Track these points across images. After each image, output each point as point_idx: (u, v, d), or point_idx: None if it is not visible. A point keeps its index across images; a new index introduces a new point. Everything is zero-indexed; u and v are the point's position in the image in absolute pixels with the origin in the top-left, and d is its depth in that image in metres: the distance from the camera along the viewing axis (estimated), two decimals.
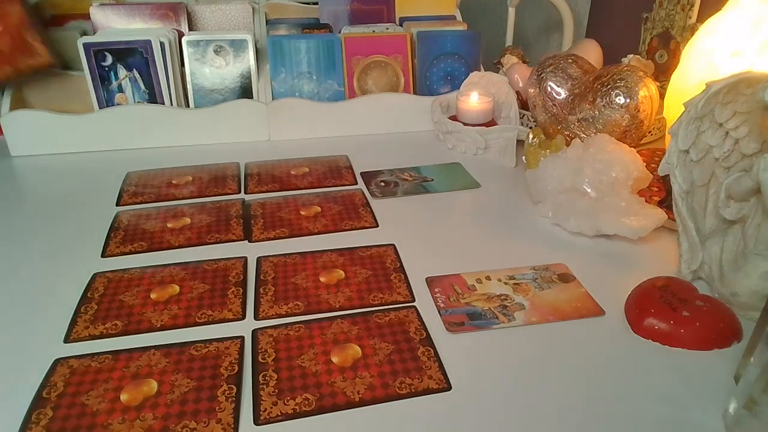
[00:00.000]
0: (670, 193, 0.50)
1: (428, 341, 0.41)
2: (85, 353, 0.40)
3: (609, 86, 0.63)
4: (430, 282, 0.48)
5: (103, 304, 0.45)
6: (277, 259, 0.51)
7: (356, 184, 0.66)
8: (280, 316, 0.44)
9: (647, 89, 0.62)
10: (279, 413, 0.36)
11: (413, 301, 0.46)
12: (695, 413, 0.36)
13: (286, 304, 0.45)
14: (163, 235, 0.55)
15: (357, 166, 0.70)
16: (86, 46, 0.72)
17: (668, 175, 0.47)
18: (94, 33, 0.77)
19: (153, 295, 0.46)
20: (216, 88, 0.77)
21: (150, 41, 0.72)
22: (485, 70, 0.80)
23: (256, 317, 0.44)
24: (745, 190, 0.42)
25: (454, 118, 0.75)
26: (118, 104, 0.75)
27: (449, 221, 0.59)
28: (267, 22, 0.86)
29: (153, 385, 0.37)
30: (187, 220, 0.57)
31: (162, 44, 0.73)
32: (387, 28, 0.84)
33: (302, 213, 0.59)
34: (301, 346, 0.41)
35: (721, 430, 0.35)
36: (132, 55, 0.73)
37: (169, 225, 0.56)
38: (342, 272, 0.49)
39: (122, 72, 0.74)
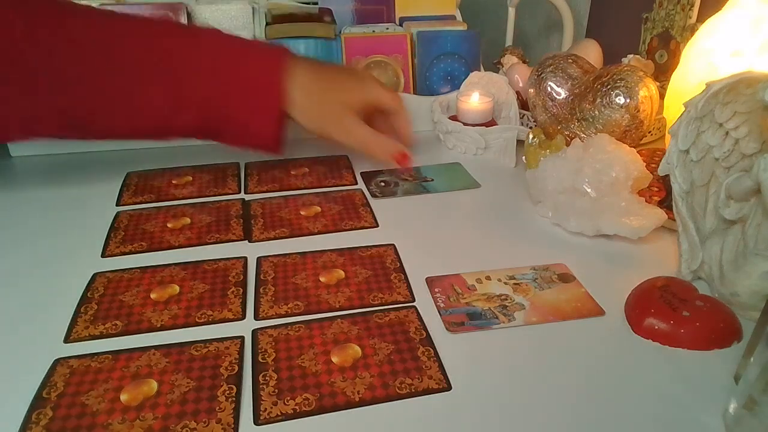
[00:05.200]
0: (670, 193, 0.50)
1: (428, 341, 0.41)
2: (85, 353, 0.40)
3: (609, 86, 0.63)
4: (430, 282, 0.48)
5: (103, 304, 0.45)
6: (277, 259, 0.51)
7: (356, 184, 0.66)
8: (280, 316, 0.44)
9: (647, 89, 0.62)
10: (279, 413, 0.36)
11: (413, 301, 0.46)
12: (695, 413, 0.36)
13: (286, 304, 0.45)
14: (163, 235, 0.55)
15: (357, 166, 0.70)
16: None
17: (668, 175, 0.47)
18: None
19: (153, 295, 0.46)
20: None
21: None
22: (485, 70, 0.80)
23: (256, 317, 0.44)
24: (745, 190, 0.42)
25: (454, 118, 0.75)
26: None
27: (449, 221, 0.59)
28: (267, 23, 0.86)
29: (153, 385, 0.38)
30: (187, 220, 0.57)
31: None
32: (387, 28, 0.84)
33: (302, 213, 0.59)
34: (301, 346, 0.41)
35: (721, 430, 0.35)
36: None
37: (169, 225, 0.56)
38: (342, 272, 0.49)
39: None
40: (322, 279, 0.48)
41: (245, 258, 0.51)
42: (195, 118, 0.56)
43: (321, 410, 0.36)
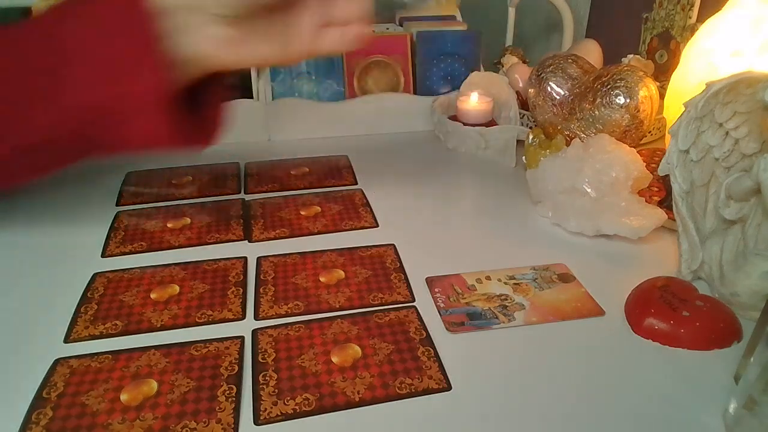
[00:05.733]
0: (670, 193, 0.50)
1: (428, 341, 0.41)
2: (85, 353, 0.40)
3: (609, 86, 0.63)
4: (430, 282, 0.48)
5: (103, 304, 0.45)
6: (277, 259, 0.51)
7: (356, 184, 0.66)
8: (280, 316, 0.44)
9: (647, 89, 0.62)
10: (279, 413, 0.36)
11: (413, 301, 0.46)
12: (695, 413, 0.36)
13: (286, 304, 0.45)
14: (163, 235, 0.55)
15: (357, 166, 0.70)
16: None
17: (668, 175, 0.47)
18: None
19: (153, 295, 0.46)
20: None
21: None
22: (485, 70, 0.80)
23: (256, 317, 0.44)
24: (745, 190, 0.42)
25: (454, 118, 0.75)
26: None
27: (449, 221, 0.59)
28: None
29: (153, 385, 0.37)
30: (187, 220, 0.57)
31: None
32: (387, 28, 0.84)
33: (302, 213, 0.59)
34: (301, 346, 0.41)
35: (721, 430, 0.35)
36: None
37: (169, 225, 0.56)
38: (342, 272, 0.49)
39: None
40: (322, 279, 0.48)
41: (245, 258, 0.51)
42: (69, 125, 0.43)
43: (321, 410, 0.36)
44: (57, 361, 0.40)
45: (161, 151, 0.46)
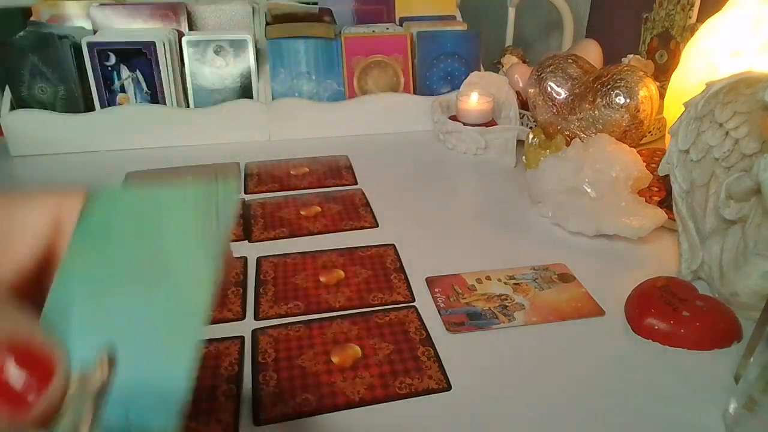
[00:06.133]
0: (670, 193, 0.50)
1: (428, 341, 0.41)
2: None
3: (609, 86, 0.63)
4: (430, 282, 0.48)
5: None
6: (277, 259, 0.51)
7: (356, 184, 0.66)
8: (280, 316, 0.44)
9: (647, 89, 0.62)
10: (279, 413, 0.36)
11: (413, 301, 0.46)
12: (695, 413, 0.36)
13: (286, 304, 0.45)
14: None
15: (357, 166, 0.70)
16: (90, 45, 0.72)
17: (668, 175, 0.47)
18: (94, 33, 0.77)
19: None
20: (216, 88, 0.77)
21: (154, 42, 0.72)
22: (485, 70, 0.80)
23: (256, 317, 0.44)
24: (745, 190, 0.42)
25: (454, 118, 0.75)
26: (119, 104, 0.75)
27: (449, 221, 0.59)
28: (267, 23, 0.86)
29: None
30: None
31: (164, 44, 0.73)
32: (387, 28, 0.84)
33: (302, 213, 0.59)
34: (301, 346, 0.41)
35: (721, 430, 0.35)
36: (136, 55, 0.73)
37: None
38: (342, 272, 0.49)
39: (125, 72, 0.74)
40: (322, 279, 0.48)
41: (245, 258, 0.51)
42: None
43: (321, 410, 0.36)
44: None
45: None
